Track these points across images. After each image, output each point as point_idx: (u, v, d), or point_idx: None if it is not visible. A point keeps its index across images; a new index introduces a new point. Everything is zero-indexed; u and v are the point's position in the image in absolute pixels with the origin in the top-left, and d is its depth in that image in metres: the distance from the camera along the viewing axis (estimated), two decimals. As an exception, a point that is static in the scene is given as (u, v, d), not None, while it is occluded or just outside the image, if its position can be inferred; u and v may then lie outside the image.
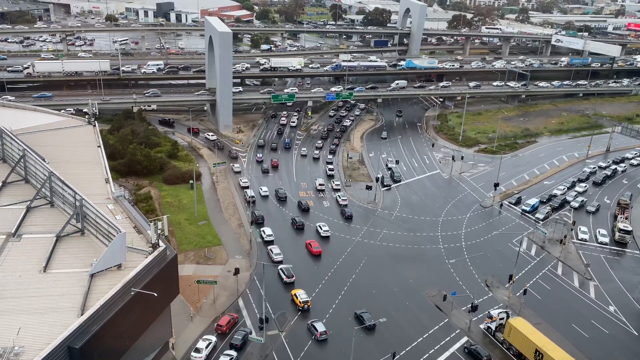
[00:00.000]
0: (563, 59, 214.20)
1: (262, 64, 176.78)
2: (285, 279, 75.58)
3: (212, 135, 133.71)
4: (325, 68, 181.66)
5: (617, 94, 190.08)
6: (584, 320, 71.26)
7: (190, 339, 63.84)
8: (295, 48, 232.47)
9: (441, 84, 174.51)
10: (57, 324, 41.54)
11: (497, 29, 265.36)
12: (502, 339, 66.14)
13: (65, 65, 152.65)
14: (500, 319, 67.00)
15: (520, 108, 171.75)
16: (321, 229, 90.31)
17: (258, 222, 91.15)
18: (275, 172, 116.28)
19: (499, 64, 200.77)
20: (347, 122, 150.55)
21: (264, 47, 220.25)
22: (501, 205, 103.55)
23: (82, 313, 43.01)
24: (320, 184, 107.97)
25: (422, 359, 62.92)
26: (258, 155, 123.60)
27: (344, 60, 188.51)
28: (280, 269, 77.40)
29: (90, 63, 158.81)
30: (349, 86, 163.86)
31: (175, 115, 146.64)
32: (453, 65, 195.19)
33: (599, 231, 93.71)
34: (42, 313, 43.60)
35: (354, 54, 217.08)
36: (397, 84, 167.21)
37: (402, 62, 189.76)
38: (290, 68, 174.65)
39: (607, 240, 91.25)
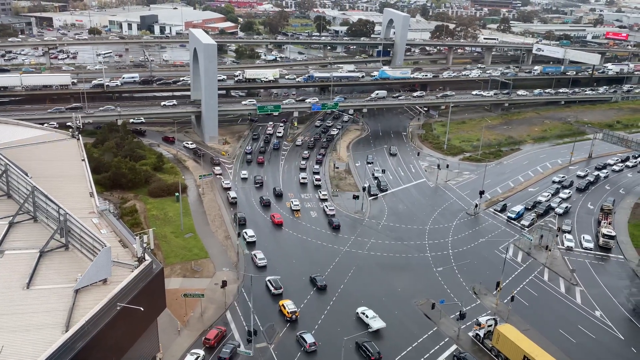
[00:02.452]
0: (536, 67, 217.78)
1: (237, 76, 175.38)
2: (273, 290, 75.29)
3: (191, 144, 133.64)
4: (297, 79, 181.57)
5: (598, 101, 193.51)
6: (571, 326, 71.82)
7: (178, 354, 63.03)
8: (302, 57, 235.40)
9: (415, 94, 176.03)
10: (41, 341, 40.82)
11: (494, 39, 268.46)
12: (490, 345, 66.38)
13: (24, 80, 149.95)
14: (488, 326, 67.33)
15: (504, 116, 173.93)
16: (292, 203, 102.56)
17: (240, 224, 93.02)
18: (261, 168, 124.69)
19: (474, 73, 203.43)
20: (334, 132, 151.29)
21: (270, 57, 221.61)
22: (476, 206, 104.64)
23: (67, 329, 42.33)
24: (302, 177, 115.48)
25: (411, 368, 62.86)
26: (247, 147, 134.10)
27: (340, 70, 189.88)
28: (268, 280, 77.13)
29: (50, 77, 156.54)
30: (312, 96, 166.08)
31: (161, 128, 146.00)
32: (426, 76, 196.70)
33: (583, 237, 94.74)
34: (25, 330, 42.83)
35: (357, 64, 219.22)
36: (377, 94, 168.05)
37: (375, 73, 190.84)
38: (262, 79, 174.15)
39: (591, 245, 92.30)
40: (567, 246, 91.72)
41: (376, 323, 68.36)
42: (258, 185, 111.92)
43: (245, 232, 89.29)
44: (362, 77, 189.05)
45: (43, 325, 43.51)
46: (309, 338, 65.27)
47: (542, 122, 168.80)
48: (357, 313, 70.37)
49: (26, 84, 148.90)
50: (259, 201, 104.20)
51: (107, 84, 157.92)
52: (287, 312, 70.05)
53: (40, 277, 49.72)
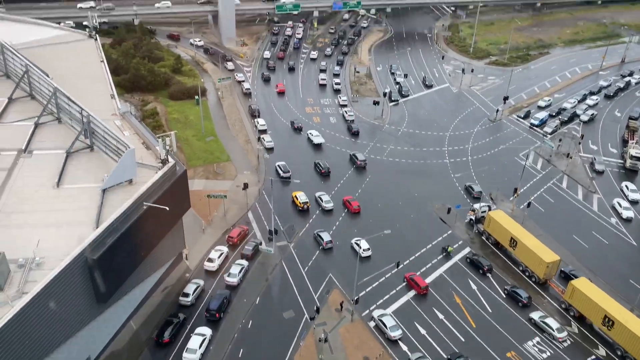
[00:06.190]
0: None
1: None
2: (282, 174, 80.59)
3: (199, 41, 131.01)
4: None
5: (639, 1, 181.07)
6: (585, 232, 73.00)
7: (203, 250, 66.53)
8: None
9: None
10: (74, 237, 43.05)
11: None
12: (482, 229, 70.71)
13: None
14: (482, 212, 72.10)
15: (535, 17, 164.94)
16: (308, 54, 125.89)
17: (254, 115, 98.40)
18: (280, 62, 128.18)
19: None
20: (364, 24, 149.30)
21: None
22: (497, 111, 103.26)
23: (97, 226, 44.44)
24: (322, 79, 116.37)
25: (425, 268, 65.53)
26: (275, 28, 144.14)
27: None
28: (277, 165, 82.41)
29: None
30: None
31: (178, 28, 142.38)
32: None
33: (618, 202, 78.14)
34: (58, 226, 45.05)
35: None
36: None
37: None
38: None
39: (631, 214, 75.72)
40: (627, 216, 75.39)
41: (318, 139, 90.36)
42: (271, 68, 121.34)
43: (257, 121, 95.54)
44: None
45: (74, 221, 45.65)
46: (326, 236, 68.08)
47: (575, 23, 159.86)
48: (307, 134, 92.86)
49: None
50: (261, 77, 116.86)
51: None
52: (300, 203, 74.27)
53: (68, 177, 51.37)
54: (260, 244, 67.44)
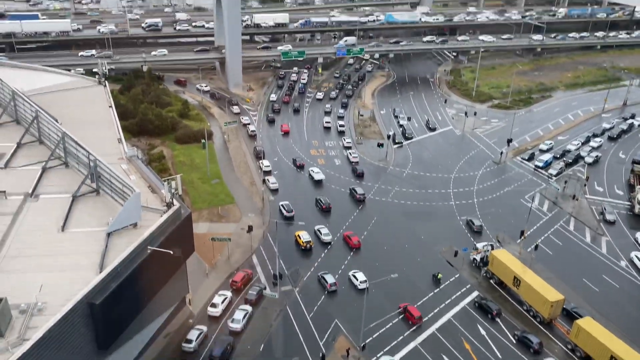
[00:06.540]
0: (561, 10, 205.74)
1: (245, 21, 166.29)
2: (285, 213, 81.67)
3: (205, 86, 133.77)
4: (295, 25, 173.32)
5: (637, 46, 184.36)
6: (595, 275, 71.76)
7: (207, 295, 65.55)
8: None
9: (425, 39, 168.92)
10: (77, 281, 42.66)
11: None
12: (485, 269, 70.44)
13: (24, 26, 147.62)
14: (485, 251, 71.56)
15: (535, 62, 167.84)
16: (313, 98, 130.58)
17: (258, 157, 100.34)
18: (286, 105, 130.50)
19: (482, 17, 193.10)
20: (368, 68, 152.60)
21: None
22: (502, 153, 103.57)
23: (101, 270, 44.08)
24: (327, 121, 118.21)
25: (433, 313, 64.21)
26: (281, 73, 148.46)
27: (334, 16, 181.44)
28: (281, 205, 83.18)
29: (49, 23, 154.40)
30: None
31: (186, 74, 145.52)
32: (437, 19, 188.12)
33: (636, 255, 75.92)
34: (62, 270, 44.74)
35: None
36: (346, 40, 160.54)
37: (382, 17, 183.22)
38: (262, 25, 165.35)
39: None
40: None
41: (318, 176, 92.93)
42: (276, 111, 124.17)
43: (262, 163, 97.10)
44: (373, 21, 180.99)
45: (78, 266, 45.35)
46: (330, 278, 67.41)
47: (575, 67, 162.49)
48: (309, 170, 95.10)
49: (26, 30, 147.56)
50: (266, 118, 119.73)
51: (101, 29, 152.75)
52: (302, 242, 74.53)
53: (74, 221, 51.44)
54: (265, 288, 66.50)
